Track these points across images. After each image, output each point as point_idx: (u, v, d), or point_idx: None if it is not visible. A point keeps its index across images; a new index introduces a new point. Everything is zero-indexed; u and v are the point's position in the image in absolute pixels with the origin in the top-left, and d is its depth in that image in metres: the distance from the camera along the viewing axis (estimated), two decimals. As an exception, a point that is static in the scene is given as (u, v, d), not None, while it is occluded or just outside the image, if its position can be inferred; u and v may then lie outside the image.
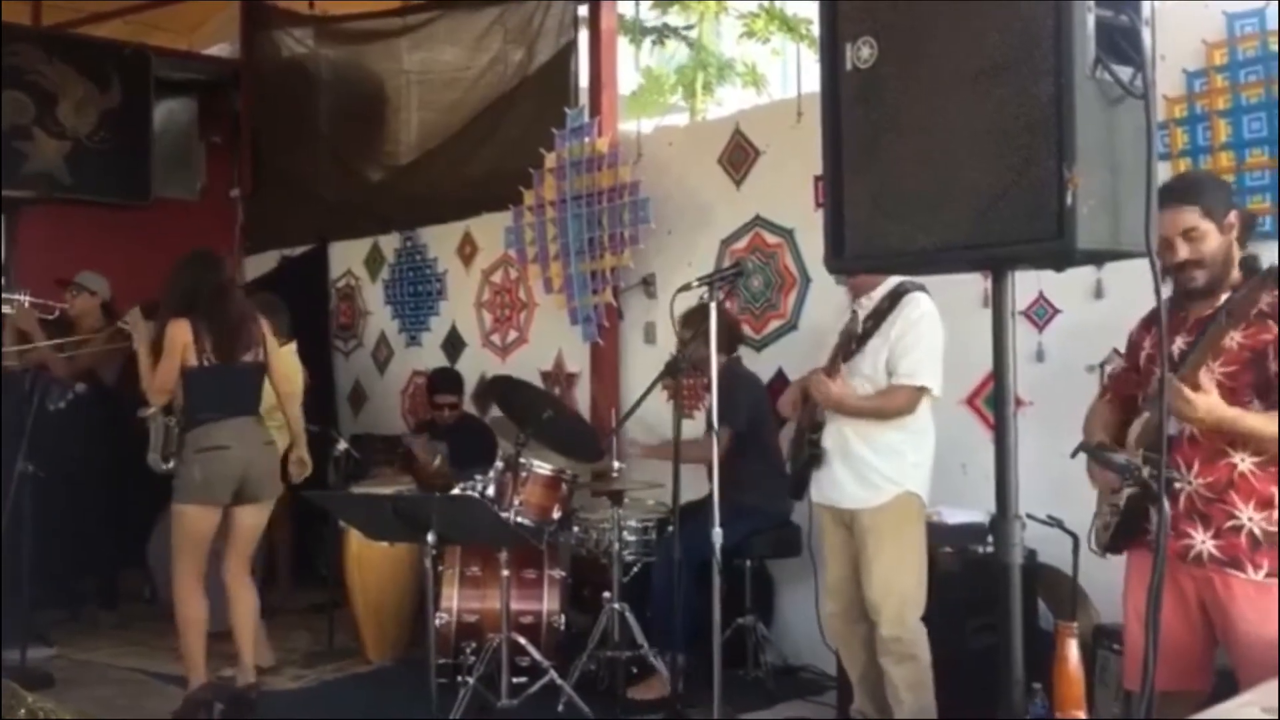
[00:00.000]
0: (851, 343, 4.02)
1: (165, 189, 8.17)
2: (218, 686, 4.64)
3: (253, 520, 4.71)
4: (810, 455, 4.06)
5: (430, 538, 3.12)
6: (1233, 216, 2.84)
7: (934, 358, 3.87)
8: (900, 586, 3.92)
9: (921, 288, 4.00)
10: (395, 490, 5.21)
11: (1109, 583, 3.28)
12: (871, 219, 2.13)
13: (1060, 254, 1.88)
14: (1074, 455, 2.90)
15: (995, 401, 2.16)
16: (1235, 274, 2.82)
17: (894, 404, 3.89)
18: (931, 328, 3.91)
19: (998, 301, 2.14)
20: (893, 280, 4.00)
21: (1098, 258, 1.97)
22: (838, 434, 4.01)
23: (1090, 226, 1.86)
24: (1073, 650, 1.53)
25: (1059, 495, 3.94)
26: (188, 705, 4.51)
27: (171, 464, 4.94)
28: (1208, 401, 2.63)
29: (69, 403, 6.00)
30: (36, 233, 7.25)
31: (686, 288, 3.82)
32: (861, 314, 4.04)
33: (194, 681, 4.56)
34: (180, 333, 4.49)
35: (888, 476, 3.94)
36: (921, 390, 3.88)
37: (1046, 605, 4.21)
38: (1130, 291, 3.88)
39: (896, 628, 3.91)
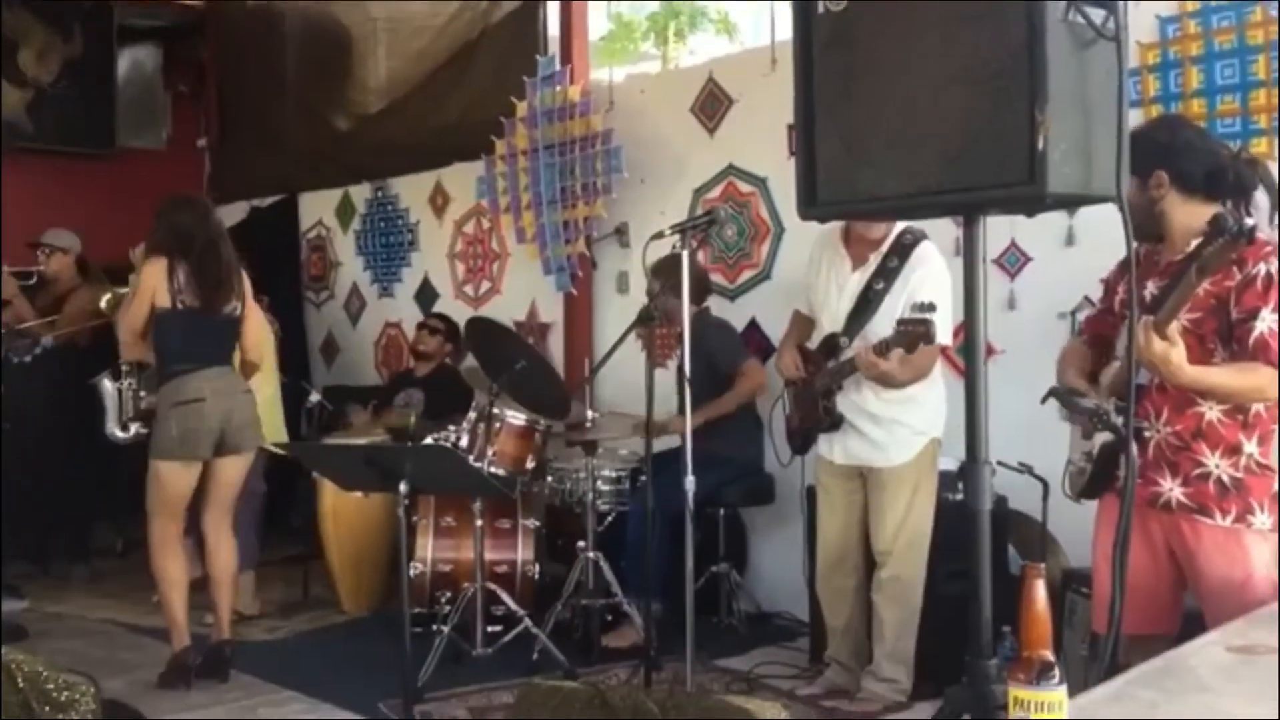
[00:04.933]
0: (862, 305, 3.99)
1: (130, 138, 8.06)
2: (202, 647, 4.54)
3: (234, 472, 4.59)
4: (830, 421, 4.06)
5: (403, 488, 3.09)
6: (1160, 176, 2.83)
7: (948, 311, 3.84)
8: (912, 527, 3.98)
9: (924, 235, 3.97)
10: (369, 441, 5.20)
11: (1078, 528, 3.31)
12: (844, 165, 2.12)
13: (1031, 198, 1.88)
14: (1045, 400, 2.90)
15: (966, 348, 2.16)
16: (1183, 220, 2.81)
17: (924, 367, 3.90)
18: (946, 280, 3.88)
19: (969, 247, 2.15)
20: (895, 231, 3.97)
21: (1069, 202, 1.97)
22: (857, 398, 4.00)
23: (1062, 171, 1.86)
24: (1040, 591, 1.54)
25: (1030, 442, 3.96)
26: (173, 667, 4.41)
27: (131, 431, 4.89)
28: (1177, 354, 2.63)
29: (36, 357, 5.96)
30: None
31: (659, 236, 3.80)
32: (867, 272, 4.01)
33: (178, 642, 4.45)
34: (154, 273, 4.37)
35: (916, 430, 3.98)
36: (937, 348, 3.89)
37: (1016, 551, 4.25)
38: (1102, 239, 3.87)
39: (899, 568, 3.97)
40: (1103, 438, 2.90)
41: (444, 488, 4.09)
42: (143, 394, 5.03)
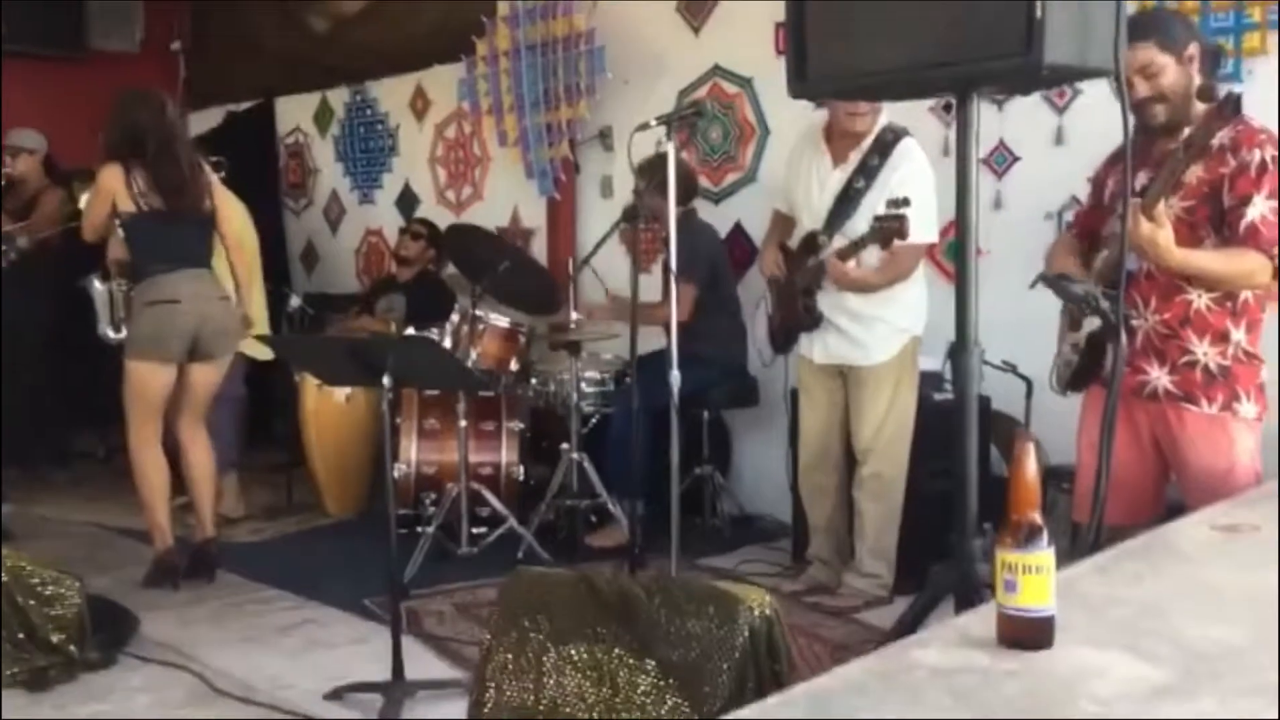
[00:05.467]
0: (843, 203, 3.96)
1: (101, 40, 7.88)
2: (185, 547, 4.54)
3: (207, 378, 4.53)
4: (810, 320, 4.05)
5: (386, 381, 3.06)
6: (1192, 49, 2.78)
7: (931, 206, 3.82)
8: (894, 424, 4.00)
9: (906, 132, 3.93)
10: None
11: (1062, 428, 3.31)
12: (835, 39, 2.07)
13: (1028, 69, 1.84)
14: (1034, 285, 2.89)
15: (958, 232, 2.13)
16: (1199, 107, 2.77)
17: (907, 268, 3.89)
18: (928, 177, 3.85)
19: (962, 130, 2.11)
20: (877, 127, 3.93)
21: (1065, 75, 1.93)
22: (837, 296, 3.99)
23: (1058, 42, 1.83)
24: (1030, 455, 1.53)
25: (1015, 343, 3.97)
26: (157, 568, 4.39)
27: (124, 332, 4.84)
28: (1165, 235, 2.61)
29: (11, 262, 5.89)
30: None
31: (644, 127, 3.73)
32: (848, 170, 3.97)
33: (160, 545, 4.43)
34: (110, 178, 4.28)
35: (898, 327, 3.99)
36: (921, 246, 3.86)
37: (999, 451, 4.27)
38: (1091, 138, 3.85)
39: (881, 464, 4.00)
40: (1090, 328, 2.89)
41: (427, 381, 4.06)
42: (132, 293, 4.99)
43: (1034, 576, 1.48)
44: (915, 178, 3.83)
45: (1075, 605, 1.63)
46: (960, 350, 2.11)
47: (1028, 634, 1.48)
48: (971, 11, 1.89)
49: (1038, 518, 1.50)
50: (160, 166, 4.33)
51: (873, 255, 3.87)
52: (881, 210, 3.65)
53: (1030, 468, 1.53)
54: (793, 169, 4.22)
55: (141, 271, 4.37)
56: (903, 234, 3.53)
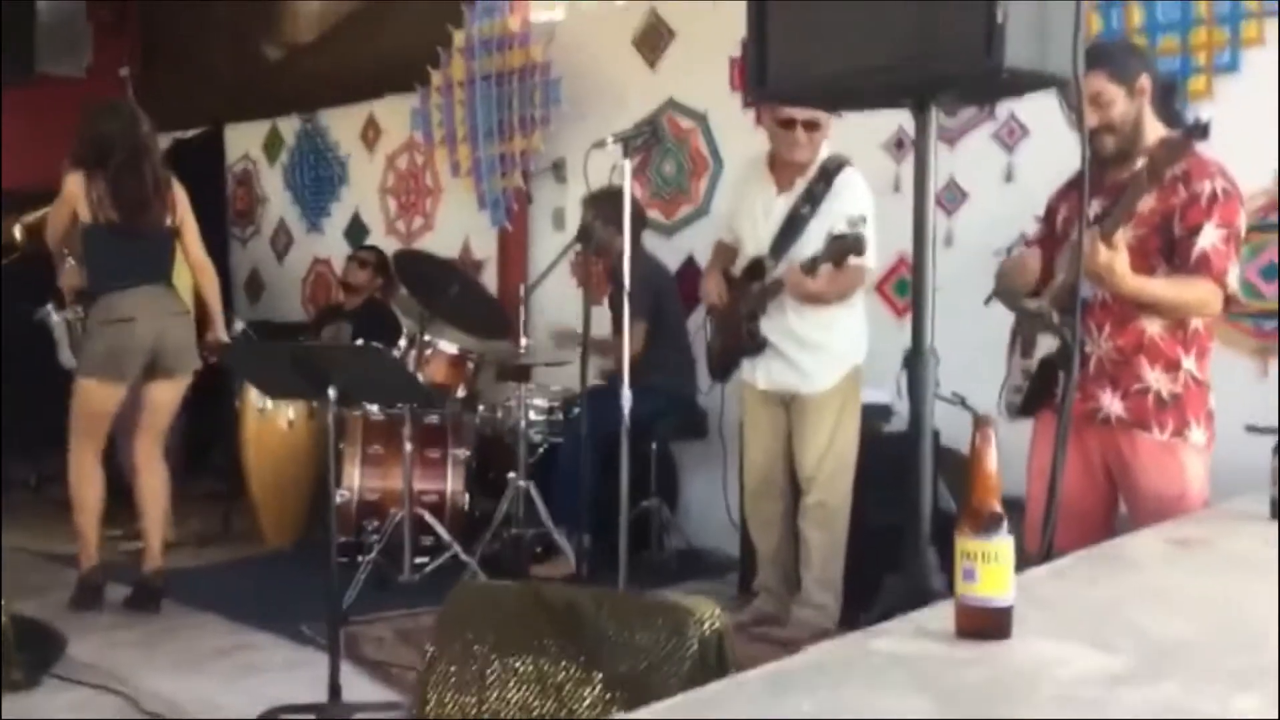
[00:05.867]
0: (789, 228, 3.97)
1: (50, 65, 7.76)
2: (111, 568, 4.43)
3: (166, 396, 4.40)
4: (753, 345, 4.04)
5: (331, 393, 3.00)
6: (1144, 80, 2.83)
7: (871, 234, 3.85)
8: (836, 453, 3.99)
9: (849, 162, 3.97)
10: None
11: (1009, 462, 3.31)
12: (796, 44, 2.07)
13: (989, 73, 1.85)
14: (988, 301, 2.90)
15: (914, 234, 2.13)
16: (1149, 138, 2.81)
17: (851, 285, 3.90)
18: (871, 206, 3.89)
19: (921, 138, 2.11)
20: (820, 157, 3.96)
21: (1024, 81, 1.94)
22: (781, 321, 3.99)
23: (1019, 47, 1.84)
24: (991, 444, 1.52)
25: (964, 377, 3.97)
26: (82, 588, 4.28)
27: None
28: (1122, 262, 2.64)
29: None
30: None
31: (600, 144, 3.72)
32: (793, 197, 3.98)
33: (86, 563, 4.31)
34: (72, 186, 4.21)
35: (839, 355, 3.99)
36: (864, 269, 3.88)
37: (948, 488, 4.26)
38: (1040, 175, 3.89)
39: (825, 493, 3.98)
40: (1042, 353, 2.91)
41: (374, 393, 3.98)
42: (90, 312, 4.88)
43: (993, 566, 1.46)
44: (860, 203, 3.86)
45: (1032, 604, 1.61)
46: (915, 354, 2.09)
47: (986, 624, 1.46)
48: (932, 15, 1.90)
49: (998, 505, 1.48)
50: (122, 178, 4.24)
51: (820, 272, 3.88)
52: (839, 229, 3.67)
53: (990, 455, 1.51)
54: (737, 198, 4.26)
55: (97, 288, 4.28)
56: (859, 250, 3.56)
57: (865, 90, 2.09)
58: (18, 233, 5.50)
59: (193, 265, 4.54)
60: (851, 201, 3.85)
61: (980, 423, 1.52)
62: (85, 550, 4.33)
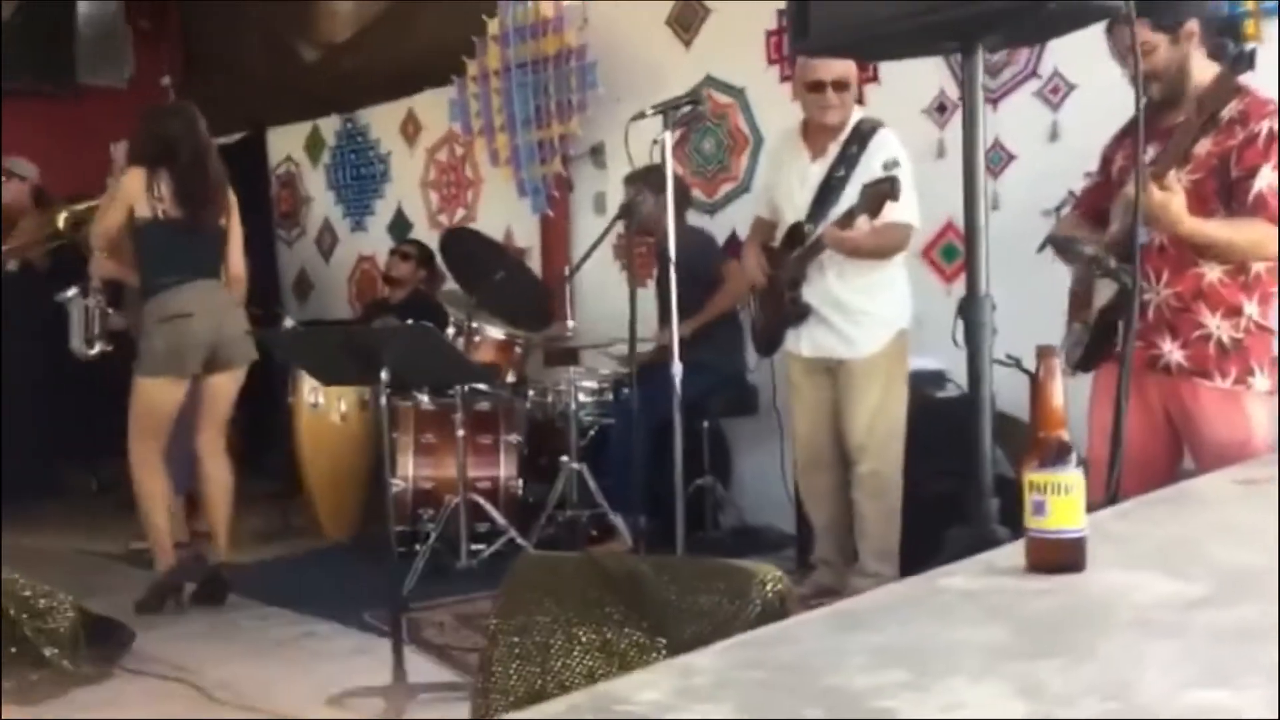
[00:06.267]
0: (825, 191, 3.94)
1: (91, 76, 7.88)
2: (188, 568, 4.41)
3: (227, 388, 4.42)
4: (796, 313, 4.01)
5: (384, 375, 3.01)
6: (1191, 25, 2.77)
7: (912, 191, 3.80)
8: (886, 420, 3.94)
9: (882, 124, 3.94)
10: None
11: (1072, 420, 3.27)
12: (836, -8, 2.04)
13: (1035, 8, 1.81)
14: (1041, 249, 2.86)
15: (965, 180, 2.09)
16: (1201, 80, 2.75)
17: (893, 243, 3.85)
18: (906, 161, 3.85)
19: (968, 83, 2.08)
20: (851, 122, 3.93)
21: (1074, 15, 1.90)
22: (823, 286, 3.95)
23: (1066, -23, 1.80)
24: (1055, 372, 1.49)
25: (1017, 339, 3.92)
26: (156, 589, 4.25)
27: (96, 349, 4.77)
28: (1177, 203, 2.59)
29: (-2, 288, 5.86)
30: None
31: (641, 116, 3.70)
32: (827, 162, 3.95)
33: (162, 564, 4.31)
34: (133, 182, 4.21)
35: (883, 320, 3.94)
36: (910, 227, 3.84)
37: (1004, 454, 4.22)
38: (1086, 133, 3.84)
39: (877, 461, 3.93)
40: (1101, 303, 2.86)
41: (425, 373, 3.99)
42: (110, 311, 4.93)
43: (1063, 497, 1.43)
44: (894, 152, 3.81)
45: (1102, 540, 1.58)
46: (971, 300, 2.06)
47: (1058, 556, 1.43)
48: (975, -46, 1.87)
49: (1065, 435, 1.45)
50: (188, 175, 4.27)
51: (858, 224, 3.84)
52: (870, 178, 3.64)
53: (1056, 384, 1.49)
54: (772, 171, 4.24)
55: (151, 285, 4.28)
56: (895, 195, 3.51)
57: (908, 36, 2.05)
58: (61, 222, 5.56)
59: (231, 273, 4.53)
60: (884, 155, 3.81)
61: (1044, 354, 1.49)
62: (159, 549, 4.31)
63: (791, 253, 4.01)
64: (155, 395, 4.28)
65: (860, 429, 3.96)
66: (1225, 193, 2.73)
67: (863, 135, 3.90)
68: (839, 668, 1.12)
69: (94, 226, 4.39)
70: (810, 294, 3.98)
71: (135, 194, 4.22)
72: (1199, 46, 2.79)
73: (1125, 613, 1.26)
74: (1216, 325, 2.76)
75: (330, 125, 7.37)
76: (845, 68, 3.86)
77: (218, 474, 4.47)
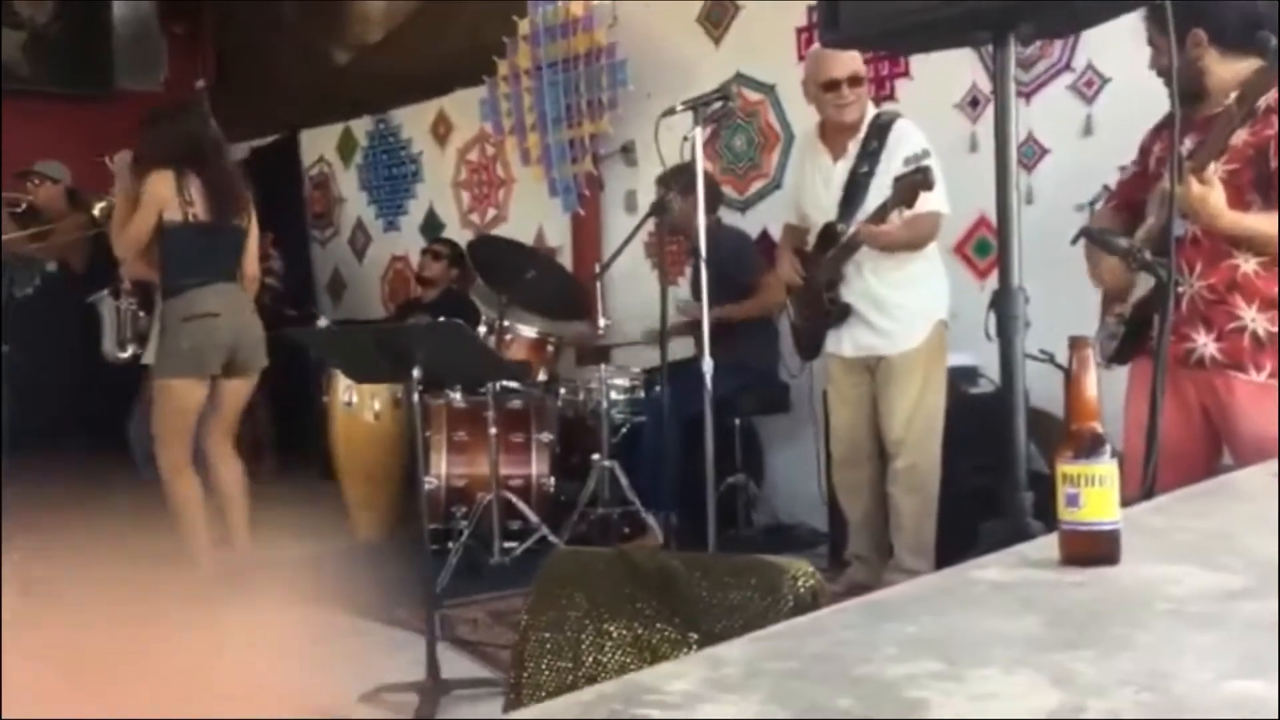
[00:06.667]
0: (852, 190, 3.93)
1: (127, 80, 7.98)
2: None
3: (241, 392, 4.45)
4: (836, 313, 4.00)
5: (416, 373, 3.02)
6: (1195, 34, 2.74)
7: (939, 179, 3.79)
8: (925, 413, 3.94)
9: (899, 115, 3.94)
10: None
11: (1107, 414, 3.24)
12: (867, -17, 2.03)
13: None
14: (1075, 241, 2.83)
15: (997, 171, 2.08)
16: (1221, 75, 2.72)
17: (924, 233, 3.85)
18: (929, 150, 3.83)
19: (1000, 73, 2.06)
20: (868, 117, 3.92)
21: (1109, 4, 1.88)
22: (860, 284, 3.95)
23: (1098, -36, 1.78)
24: (1089, 362, 1.47)
25: (1050, 335, 3.89)
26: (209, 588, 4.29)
27: (129, 352, 4.79)
28: (1216, 197, 2.56)
29: (37, 288, 5.90)
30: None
31: (671, 112, 3.71)
32: (849, 161, 3.94)
33: (207, 570, 4.27)
34: (163, 185, 4.19)
35: (922, 312, 3.94)
36: (939, 214, 3.82)
37: (1038, 449, 4.18)
38: (1120, 127, 3.81)
39: (915, 455, 3.93)
40: (1135, 297, 2.83)
41: (457, 371, 4.01)
42: (142, 314, 4.97)
43: (1098, 489, 1.41)
44: (919, 143, 3.79)
45: (1138, 534, 1.56)
46: (1004, 291, 2.05)
47: (1093, 549, 1.41)
48: (1006, -57, 1.85)
49: (1099, 427, 1.43)
50: (219, 176, 4.29)
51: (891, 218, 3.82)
52: (897, 174, 3.62)
53: (1089, 374, 1.46)
54: (797, 176, 4.26)
55: (175, 285, 4.28)
56: (928, 185, 3.50)
57: (939, 28, 2.04)
58: (97, 211, 5.61)
59: (247, 273, 4.54)
60: (907, 146, 3.79)
61: (1077, 345, 1.47)
62: (198, 551, 4.31)
63: (826, 254, 4.00)
64: (182, 395, 4.29)
65: (899, 423, 3.94)
66: (1263, 183, 2.69)
67: (881, 129, 3.90)
68: (870, 658, 1.11)
69: (119, 236, 4.32)
70: (848, 293, 3.97)
71: (165, 197, 4.20)
72: (1210, 46, 2.76)
73: (1161, 604, 1.25)
74: (1252, 318, 2.73)
75: (362, 126, 7.43)
76: (858, 63, 3.86)
77: (231, 475, 4.47)
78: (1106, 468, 1.42)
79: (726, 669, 1.09)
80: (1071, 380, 1.48)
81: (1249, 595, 1.26)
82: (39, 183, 6.04)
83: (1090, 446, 1.43)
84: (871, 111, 3.95)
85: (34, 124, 7.17)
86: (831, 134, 4.00)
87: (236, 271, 4.45)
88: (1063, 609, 1.25)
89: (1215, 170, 2.62)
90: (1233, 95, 2.60)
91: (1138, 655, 1.08)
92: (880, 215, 3.64)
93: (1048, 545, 1.50)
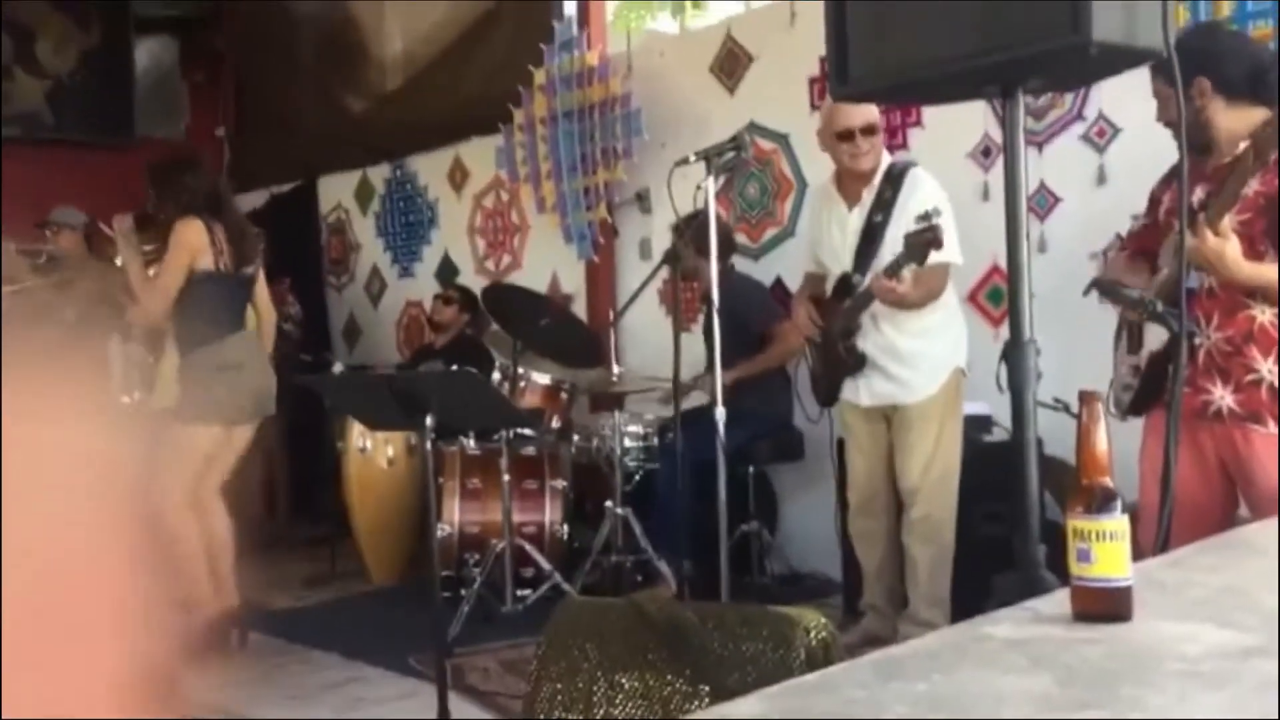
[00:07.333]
0: (867, 239, 3.95)
1: (149, 128, 8.07)
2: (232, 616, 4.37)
3: (245, 440, 4.42)
4: (852, 363, 4.00)
5: (429, 421, 3.03)
6: (1200, 84, 2.75)
7: (952, 229, 3.80)
8: (941, 462, 3.92)
9: (914, 163, 3.96)
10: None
11: (1121, 465, 3.22)
12: (875, 37, 2.05)
13: (1076, 48, 1.80)
14: (1086, 293, 2.83)
15: (1008, 224, 2.08)
16: (1229, 124, 2.73)
17: (936, 287, 3.85)
18: (942, 199, 3.84)
19: (1010, 128, 2.07)
20: (883, 165, 3.94)
21: (1115, 58, 1.89)
22: (876, 335, 3.95)
23: (1105, 18, 1.79)
24: (1099, 417, 1.47)
25: (1064, 383, 3.88)
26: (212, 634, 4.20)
27: (136, 397, 4.78)
28: (1232, 249, 2.56)
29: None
30: (18, 176, 7.11)
31: (684, 162, 3.73)
32: (864, 209, 3.96)
33: (220, 604, 4.26)
34: (195, 234, 4.16)
35: (939, 361, 3.93)
36: (948, 265, 3.83)
37: (1054, 498, 4.16)
38: (1133, 176, 3.82)
39: (930, 505, 3.91)
40: (1150, 347, 2.83)
41: (470, 419, 4.00)
42: (151, 359, 4.98)
43: (1109, 544, 1.41)
44: (931, 197, 3.81)
45: (1151, 589, 1.55)
46: (1015, 345, 2.05)
47: (1105, 605, 1.40)
48: (1013, -1, 1.87)
49: (1109, 482, 1.43)
50: (235, 222, 4.33)
51: (905, 274, 3.83)
52: (912, 228, 3.63)
53: (1100, 432, 1.46)
54: (813, 225, 4.27)
55: (203, 334, 4.25)
56: (938, 243, 3.51)
57: (950, 81, 2.05)
58: (119, 261, 5.64)
59: (262, 310, 4.57)
60: (921, 199, 3.81)
61: (1087, 399, 1.47)
62: (209, 594, 4.25)
63: (842, 303, 4.01)
64: (206, 443, 4.27)
65: (915, 472, 3.93)
66: (1275, 232, 2.69)
67: (895, 177, 3.92)
68: (881, 717, 1.10)
69: (149, 291, 4.25)
70: (865, 343, 3.97)
71: (200, 246, 4.18)
72: (1215, 96, 2.77)
73: (1174, 663, 1.24)
74: (1269, 369, 2.72)
75: (380, 173, 7.48)
76: (872, 113, 3.89)
77: (222, 525, 4.39)
78: (1118, 523, 1.42)
79: (736, 727, 1.09)
80: (1082, 435, 1.48)
81: (1261, 654, 1.26)
82: (57, 231, 6.08)
83: (1101, 502, 1.42)
84: (886, 160, 3.97)
85: (57, 172, 7.25)
86: (847, 183, 4.03)
87: (245, 319, 4.46)
88: (1074, 667, 1.25)
89: (1229, 222, 2.62)
90: (1243, 145, 2.61)
91: (1149, 717, 1.07)
92: (892, 271, 3.65)
93: (1060, 600, 1.49)
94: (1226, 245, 2.53)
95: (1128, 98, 3.82)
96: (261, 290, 4.58)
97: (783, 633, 2.29)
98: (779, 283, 5.32)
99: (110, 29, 7.88)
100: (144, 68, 8.13)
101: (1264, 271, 2.63)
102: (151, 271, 4.32)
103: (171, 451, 4.26)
